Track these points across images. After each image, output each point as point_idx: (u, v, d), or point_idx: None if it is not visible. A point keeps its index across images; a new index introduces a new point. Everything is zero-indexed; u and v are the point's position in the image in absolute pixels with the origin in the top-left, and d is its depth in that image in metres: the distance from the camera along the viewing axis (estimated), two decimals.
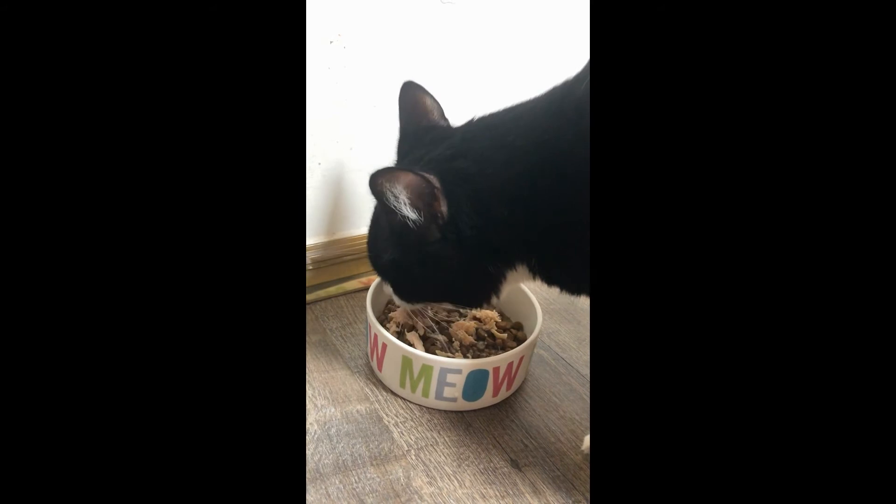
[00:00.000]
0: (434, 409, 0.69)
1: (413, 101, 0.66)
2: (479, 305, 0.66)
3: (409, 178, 0.52)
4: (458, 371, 0.65)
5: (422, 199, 0.54)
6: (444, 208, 0.55)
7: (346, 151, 0.82)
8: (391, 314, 0.77)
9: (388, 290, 0.67)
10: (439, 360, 0.65)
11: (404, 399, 0.70)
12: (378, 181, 0.53)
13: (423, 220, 0.55)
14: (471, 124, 0.61)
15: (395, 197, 0.53)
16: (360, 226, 0.91)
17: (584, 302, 0.95)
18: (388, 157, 0.86)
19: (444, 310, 0.79)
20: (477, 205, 0.55)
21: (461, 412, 0.69)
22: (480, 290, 0.61)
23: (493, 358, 0.66)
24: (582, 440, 0.66)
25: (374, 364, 0.73)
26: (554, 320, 0.88)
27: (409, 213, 0.54)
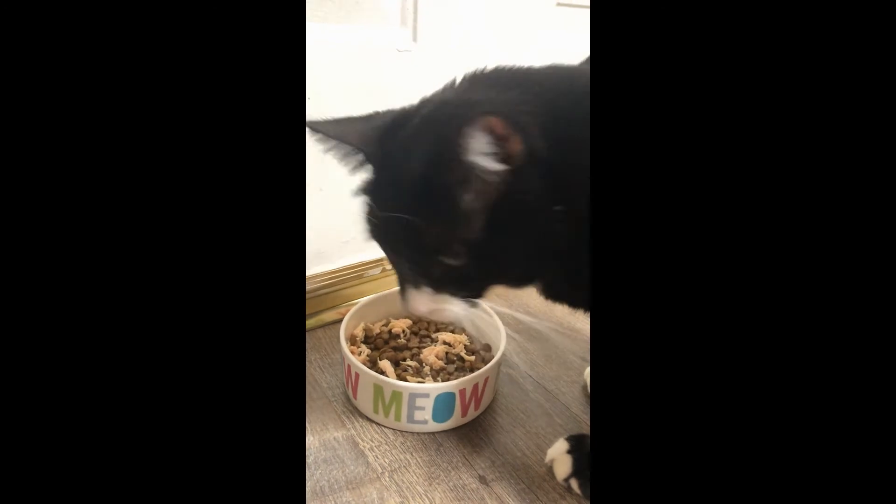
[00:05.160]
0: (407, 431, 0.73)
1: None
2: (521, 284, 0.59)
3: (489, 119, 0.44)
4: (426, 395, 0.70)
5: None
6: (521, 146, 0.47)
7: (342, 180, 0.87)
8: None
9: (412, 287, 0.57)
10: (408, 385, 0.70)
11: (379, 424, 0.74)
12: (461, 127, 0.44)
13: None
14: None
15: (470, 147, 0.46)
16: (334, 259, 0.96)
17: (549, 321, 1.00)
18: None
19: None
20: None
21: (433, 433, 0.73)
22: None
23: (458, 381, 0.71)
24: (546, 453, 0.70)
25: (350, 392, 0.77)
26: (523, 338, 0.93)
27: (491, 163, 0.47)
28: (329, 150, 0.58)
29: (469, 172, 0.47)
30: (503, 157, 0.47)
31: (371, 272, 0.99)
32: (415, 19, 0.83)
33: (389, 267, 1.02)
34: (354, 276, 0.98)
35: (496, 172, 0.47)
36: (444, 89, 0.57)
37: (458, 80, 0.57)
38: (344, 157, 0.58)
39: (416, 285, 0.56)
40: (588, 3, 1.06)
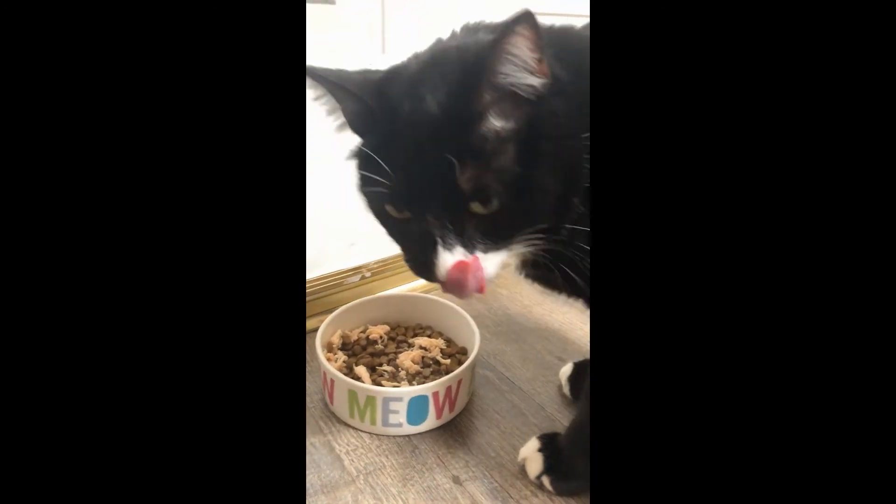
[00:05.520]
0: (382, 435, 0.74)
1: None
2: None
3: (524, 27, 0.44)
4: (400, 399, 0.71)
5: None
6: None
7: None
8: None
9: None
10: (381, 389, 0.71)
11: (355, 428, 0.75)
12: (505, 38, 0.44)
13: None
14: None
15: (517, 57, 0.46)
16: (313, 269, 0.97)
17: (527, 322, 1.01)
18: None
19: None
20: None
21: (408, 436, 0.74)
22: None
23: (431, 384, 0.72)
24: (519, 453, 0.72)
25: (327, 398, 0.78)
26: (500, 341, 0.95)
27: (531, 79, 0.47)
28: (319, 97, 0.54)
29: (501, 93, 0.47)
30: (538, 72, 0.47)
31: (350, 280, 1.01)
32: (383, 31, 0.85)
33: (369, 275, 1.03)
34: (334, 284, 0.99)
35: (533, 87, 0.47)
36: (438, 42, 0.57)
37: (459, 31, 0.57)
38: (332, 111, 0.55)
39: (448, 247, 0.50)
40: (559, 12, 1.08)
